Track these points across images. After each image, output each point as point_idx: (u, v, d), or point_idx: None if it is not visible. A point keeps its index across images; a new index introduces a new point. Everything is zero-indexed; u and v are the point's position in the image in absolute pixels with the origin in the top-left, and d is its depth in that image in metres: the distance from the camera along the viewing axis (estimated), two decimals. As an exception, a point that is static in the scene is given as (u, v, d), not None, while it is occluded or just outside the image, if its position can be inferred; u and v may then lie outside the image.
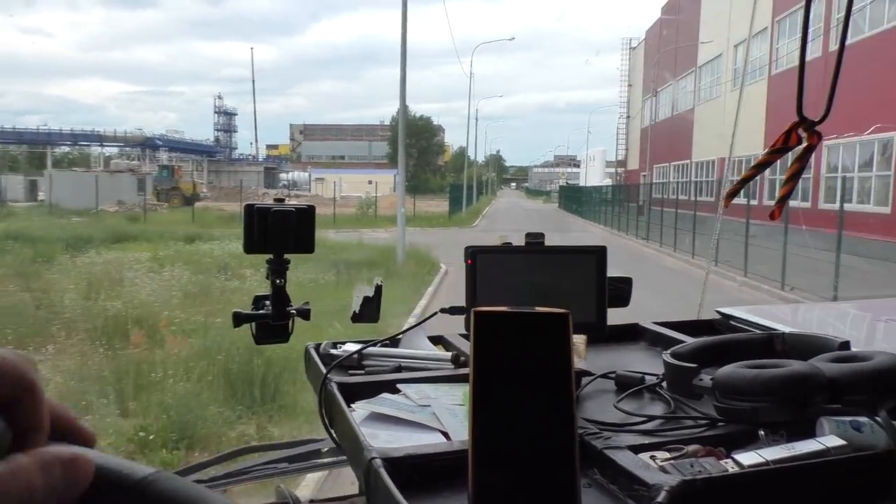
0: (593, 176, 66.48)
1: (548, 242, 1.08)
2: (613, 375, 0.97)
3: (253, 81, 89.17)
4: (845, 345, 0.94)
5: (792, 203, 17.79)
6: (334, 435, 0.86)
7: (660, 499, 0.61)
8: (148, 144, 63.06)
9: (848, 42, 1.02)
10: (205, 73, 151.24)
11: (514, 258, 1.01)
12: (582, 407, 0.88)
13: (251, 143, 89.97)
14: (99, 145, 62.83)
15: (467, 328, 0.84)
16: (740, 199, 24.27)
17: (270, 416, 4.53)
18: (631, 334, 1.25)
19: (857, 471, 0.72)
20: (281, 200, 0.97)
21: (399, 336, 1.10)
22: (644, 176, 42.17)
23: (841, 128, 15.69)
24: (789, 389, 0.77)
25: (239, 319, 0.97)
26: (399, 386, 0.92)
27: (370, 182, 64.77)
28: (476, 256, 0.97)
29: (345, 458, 0.88)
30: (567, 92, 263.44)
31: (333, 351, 1.04)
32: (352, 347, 1.04)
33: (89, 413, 4.27)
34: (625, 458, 0.69)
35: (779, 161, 1.04)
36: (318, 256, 12.75)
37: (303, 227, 0.97)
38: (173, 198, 33.64)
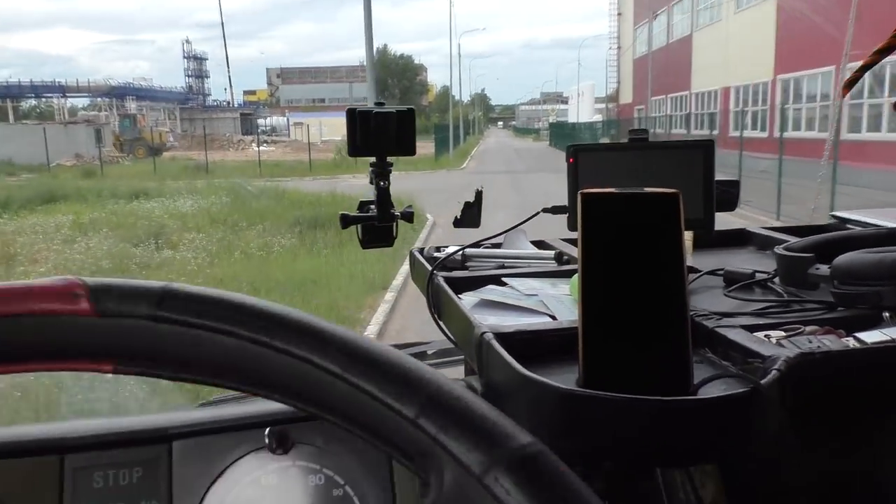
0: (583, 112, 64.34)
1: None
2: (722, 272, 0.93)
3: (222, 24, 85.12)
4: None
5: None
6: (443, 326, 0.88)
7: (776, 367, 0.60)
8: (114, 94, 59.82)
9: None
10: (176, 18, 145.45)
11: (617, 155, 0.98)
12: (690, 299, 0.78)
13: (225, 89, 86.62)
14: (61, 96, 59.58)
15: (571, 227, 0.89)
16: (755, 133, 22.45)
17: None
18: (738, 239, 1.18)
19: None
20: (381, 104, 0.95)
21: (500, 237, 1.11)
22: (638, 110, 40.09)
23: None
24: None
25: (346, 221, 1.00)
26: (504, 279, 0.93)
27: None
28: (578, 155, 0.94)
29: (450, 358, 0.97)
30: (551, 26, 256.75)
31: (437, 254, 1.07)
32: (453, 249, 1.06)
33: None
34: (738, 335, 0.69)
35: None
36: (279, 213, 10.89)
37: (404, 129, 0.95)
38: (137, 148, 31.35)
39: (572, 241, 1.09)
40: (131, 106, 59.72)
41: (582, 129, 41.44)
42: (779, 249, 0.90)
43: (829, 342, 0.68)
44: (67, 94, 59.97)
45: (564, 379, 0.60)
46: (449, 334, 0.86)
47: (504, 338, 0.68)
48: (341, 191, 14.45)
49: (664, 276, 0.58)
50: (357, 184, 22.68)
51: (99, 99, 61.27)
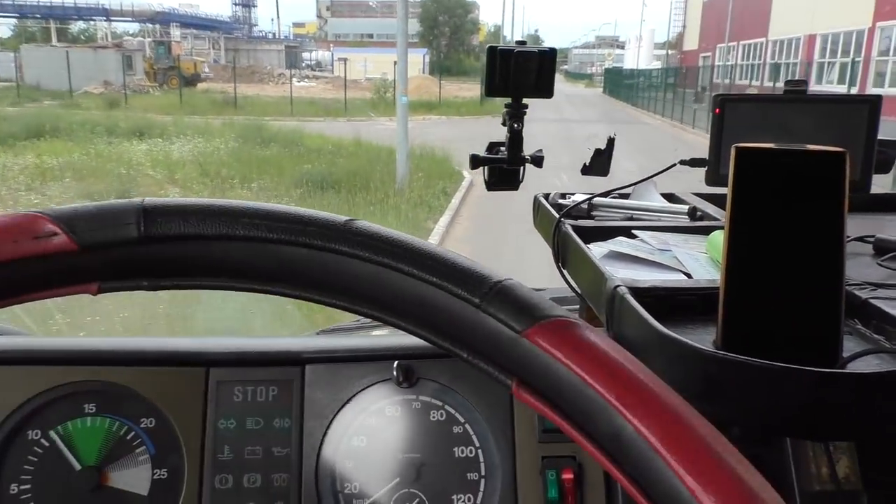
0: (641, 58, 60.77)
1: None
2: (872, 239, 0.88)
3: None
4: None
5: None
6: (567, 276, 0.87)
7: None
8: (158, 19, 58.45)
9: None
10: None
11: (769, 107, 0.93)
12: None
13: (272, 20, 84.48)
14: (104, 19, 58.44)
15: (710, 182, 0.87)
16: (842, 88, 19.84)
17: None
18: (890, 204, 1.09)
19: None
20: (522, 43, 0.94)
21: (628, 188, 1.07)
22: (704, 58, 37.00)
23: None
24: None
25: (476, 162, 0.99)
26: (635, 232, 0.90)
27: (396, 62, 60.23)
28: (725, 105, 0.90)
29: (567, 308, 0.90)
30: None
31: (562, 201, 1.04)
32: (580, 198, 1.03)
33: None
34: (894, 308, 0.64)
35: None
36: (286, 166, 9.29)
37: (543, 71, 0.93)
38: (171, 78, 29.91)
39: (704, 196, 1.04)
40: (175, 33, 58.43)
41: (639, 76, 38.59)
42: None
43: None
44: (111, 18, 58.81)
45: (700, 339, 0.58)
46: (573, 284, 0.84)
47: (639, 293, 0.66)
48: (371, 137, 12.76)
49: (821, 242, 0.56)
50: (390, 128, 20.88)
51: (146, 24, 60.00)
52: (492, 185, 1.01)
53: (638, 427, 0.32)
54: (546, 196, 1.08)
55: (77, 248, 0.36)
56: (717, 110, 0.88)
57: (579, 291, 0.83)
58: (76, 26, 65.68)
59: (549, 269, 0.93)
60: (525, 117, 0.97)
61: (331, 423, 0.71)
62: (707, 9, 37.17)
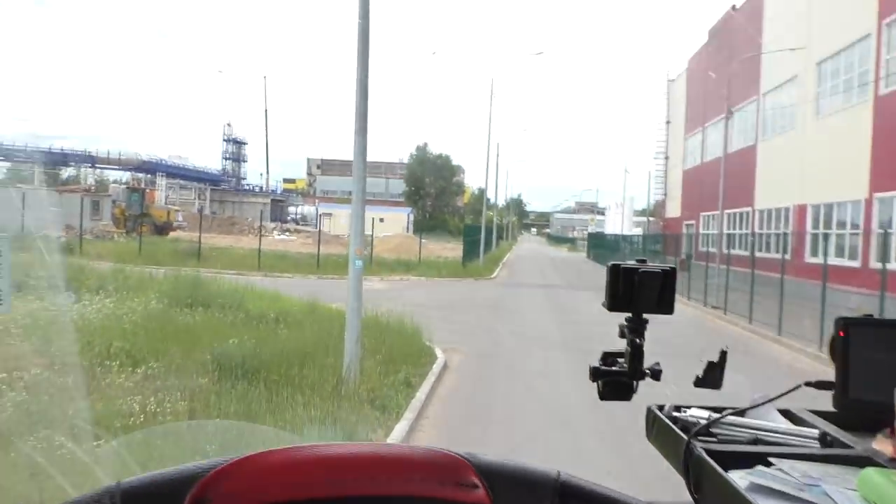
0: (620, 224, 61.52)
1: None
2: None
3: (266, 110, 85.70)
4: None
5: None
6: (697, 497, 0.85)
7: None
8: (144, 168, 58.85)
9: None
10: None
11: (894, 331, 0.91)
12: None
13: (261, 174, 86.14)
14: (90, 166, 58.77)
15: (838, 405, 0.85)
16: (840, 261, 18.87)
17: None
18: None
19: None
20: (643, 261, 0.99)
21: (749, 408, 1.03)
22: (688, 225, 36.81)
23: None
24: None
25: (597, 375, 0.99)
26: (771, 460, 0.87)
27: (381, 220, 60.35)
28: (849, 328, 0.89)
29: None
30: (593, 136, 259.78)
31: (677, 414, 1.02)
32: (697, 413, 1.01)
33: None
34: None
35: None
36: (202, 339, 7.34)
37: (666, 288, 0.96)
38: (142, 225, 28.70)
39: (821, 414, 1.01)
40: (161, 183, 58.68)
41: (622, 241, 38.28)
42: None
43: None
44: (97, 165, 59.16)
45: None
46: None
47: None
48: (336, 298, 11.03)
49: None
50: (366, 287, 19.29)
51: (133, 173, 60.32)
52: (605, 396, 0.99)
53: None
54: (660, 408, 1.02)
55: None
56: (842, 332, 0.86)
57: None
58: (66, 172, 66.09)
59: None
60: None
61: None
62: (687, 177, 37.55)
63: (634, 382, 0.97)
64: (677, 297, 0.98)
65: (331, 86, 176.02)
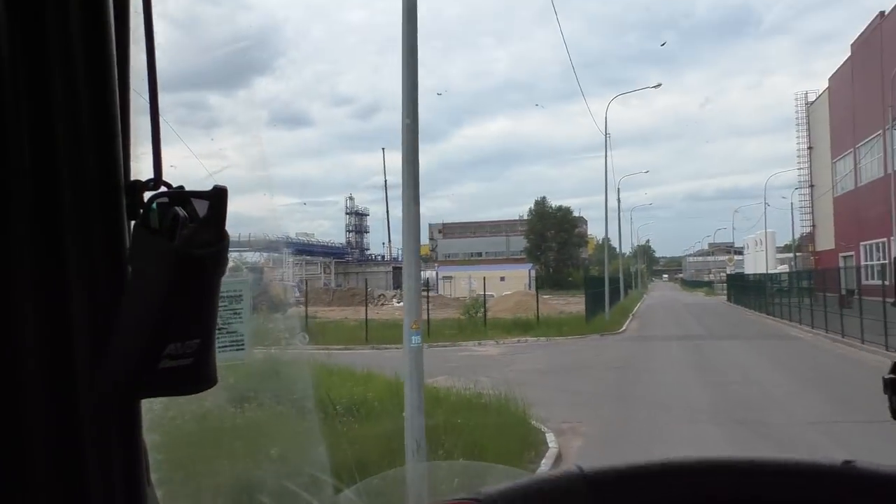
0: (762, 262, 56.50)
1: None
2: None
3: (385, 181, 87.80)
4: None
5: None
6: None
7: None
8: (272, 248, 61.14)
9: None
10: (356, 181, 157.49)
11: None
12: None
13: (384, 244, 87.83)
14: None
15: None
16: None
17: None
18: None
19: None
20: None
21: None
22: (845, 258, 32.41)
23: None
24: None
25: (894, 387, 0.91)
26: None
27: (501, 278, 58.77)
28: None
29: None
30: (716, 179, 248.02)
31: None
32: None
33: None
34: None
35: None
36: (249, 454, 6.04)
37: None
38: (260, 304, 28.69)
39: None
40: (288, 260, 60.84)
41: (767, 281, 34.33)
42: None
43: None
44: (231, 249, 62.15)
45: None
46: None
47: None
48: (435, 371, 9.45)
49: None
50: (478, 353, 17.82)
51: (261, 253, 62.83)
52: None
53: None
54: None
55: None
56: None
57: None
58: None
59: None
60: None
61: None
62: (840, 204, 33.34)
63: None
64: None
65: (452, 155, 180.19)
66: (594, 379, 12.28)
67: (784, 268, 49.11)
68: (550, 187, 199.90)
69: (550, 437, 7.10)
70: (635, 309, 36.24)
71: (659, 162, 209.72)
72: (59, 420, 0.60)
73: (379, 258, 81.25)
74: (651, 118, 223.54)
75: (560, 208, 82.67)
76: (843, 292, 20.96)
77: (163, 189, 0.66)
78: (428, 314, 22.13)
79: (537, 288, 62.45)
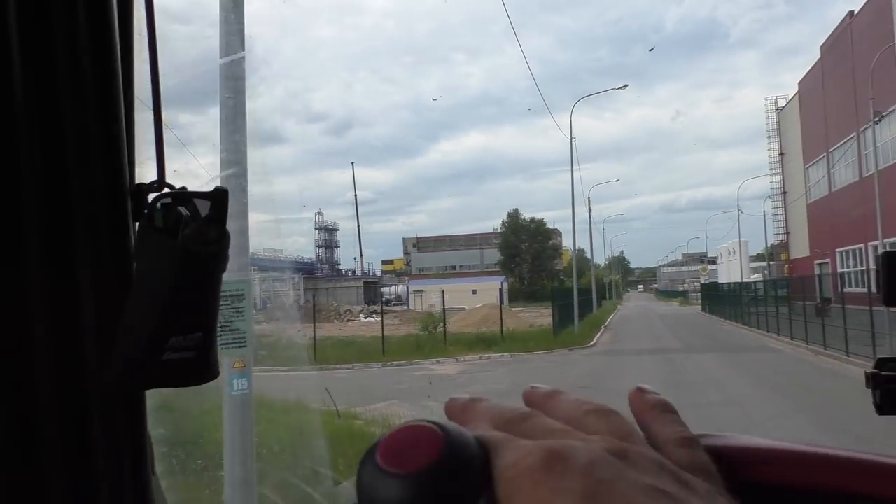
0: (736, 271, 56.04)
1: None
2: None
3: (355, 195, 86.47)
4: None
5: None
6: None
7: None
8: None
9: None
10: (331, 197, 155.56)
11: None
12: None
13: (355, 259, 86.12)
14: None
15: None
16: None
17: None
18: None
19: None
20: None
21: None
22: (820, 265, 31.63)
23: None
24: None
25: (877, 381, 0.90)
26: None
27: (474, 291, 57.43)
28: None
29: None
30: (689, 190, 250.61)
31: None
32: None
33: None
34: None
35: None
36: None
37: None
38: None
39: None
40: (255, 277, 59.11)
41: (742, 290, 33.44)
42: None
43: None
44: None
45: None
46: None
47: None
48: (377, 398, 7.97)
49: None
50: (436, 372, 16.33)
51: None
52: (886, 408, 0.91)
53: None
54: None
55: None
56: None
57: None
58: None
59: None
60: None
61: None
62: (814, 211, 32.58)
63: None
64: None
65: (427, 170, 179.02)
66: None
67: (758, 276, 48.54)
68: (525, 200, 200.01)
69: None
70: (608, 320, 35.07)
71: (633, 174, 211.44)
72: (69, 411, 0.62)
73: (349, 273, 79.48)
74: (625, 131, 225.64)
75: (533, 220, 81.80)
76: (819, 301, 19.98)
77: (167, 190, 0.68)
78: (382, 330, 20.65)
79: (509, 300, 61.27)
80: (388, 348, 19.35)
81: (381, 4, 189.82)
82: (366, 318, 43.37)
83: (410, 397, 11.69)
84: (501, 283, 61.96)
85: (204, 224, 0.65)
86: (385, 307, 59.66)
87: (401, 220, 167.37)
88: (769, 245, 49.21)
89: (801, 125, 34.06)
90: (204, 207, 0.66)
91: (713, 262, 79.79)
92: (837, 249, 29.20)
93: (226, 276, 0.68)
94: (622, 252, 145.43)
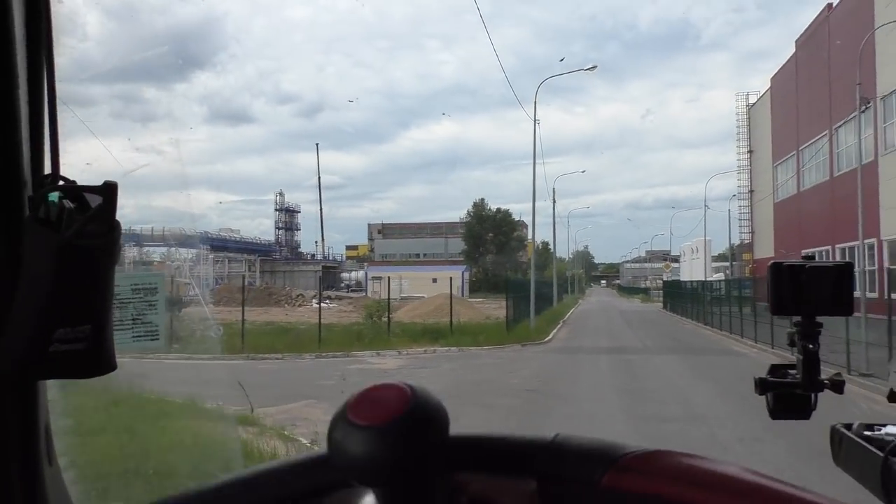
0: (698, 270, 55.62)
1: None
2: None
3: (319, 178, 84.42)
4: None
5: None
6: None
7: None
8: (188, 244, 56.93)
9: None
10: (300, 180, 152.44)
11: None
12: None
13: (316, 243, 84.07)
14: (135, 244, 57.33)
15: None
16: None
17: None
18: None
19: None
20: (811, 257, 0.92)
21: None
22: (785, 265, 30.90)
23: None
24: None
25: (765, 387, 0.92)
26: None
27: (434, 280, 56.04)
28: None
29: None
30: (655, 189, 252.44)
31: (869, 433, 0.95)
32: (893, 430, 0.94)
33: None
34: None
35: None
36: None
37: (841, 285, 0.91)
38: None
39: None
40: (208, 257, 56.87)
41: (706, 289, 32.65)
42: None
43: None
44: (143, 244, 57.78)
45: None
46: None
47: None
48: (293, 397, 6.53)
49: None
50: (377, 367, 14.88)
51: (178, 249, 58.69)
52: (777, 413, 0.93)
53: None
54: (847, 427, 0.94)
55: None
56: None
57: None
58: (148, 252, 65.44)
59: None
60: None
61: None
62: (781, 210, 31.84)
63: (812, 396, 0.90)
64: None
65: (397, 157, 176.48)
66: (497, 408, 9.54)
67: (720, 276, 48.04)
68: (495, 191, 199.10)
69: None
70: (567, 315, 33.99)
71: (602, 170, 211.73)
72: None
73: (310, 257, 77.44)
74: (595, 127, 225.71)
75: (499, 211, 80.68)
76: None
77: (60, 184, 0.69)
78: (319, 317, 19.10)
79: (472, 291, 59.95)
80: (327, 337, 17.81)
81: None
82: (318, 303, 41.74)
83: (333, 396, 10.24)
84: (462, 273, 60.68)
85: (90, 218, 0.65)
86: (343, 293, 57.97)
87: (369, 206, 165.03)
88: (732, 245, 48.72)
89: (772, 122, 33.27)
90: (98, 201, 0.66)
91: (676, 260, 79.64)
92: (803, 251, 28.43)
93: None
94: (587, 247, 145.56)
